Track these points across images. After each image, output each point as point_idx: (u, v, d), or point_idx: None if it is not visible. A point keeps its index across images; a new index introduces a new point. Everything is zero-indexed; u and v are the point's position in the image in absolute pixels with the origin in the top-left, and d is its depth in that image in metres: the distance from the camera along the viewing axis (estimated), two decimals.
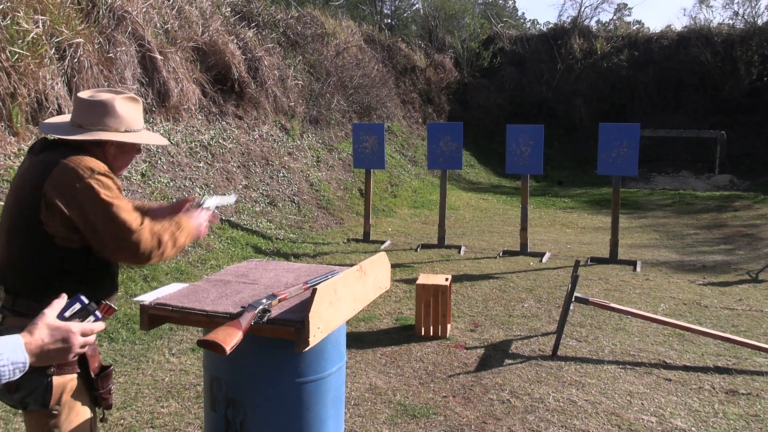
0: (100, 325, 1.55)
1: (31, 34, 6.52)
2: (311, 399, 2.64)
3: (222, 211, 8.16)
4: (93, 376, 2.01)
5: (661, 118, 18.62)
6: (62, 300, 1.54)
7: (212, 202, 2.49)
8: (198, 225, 2.26)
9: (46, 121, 2.09)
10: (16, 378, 1.31)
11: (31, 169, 1.95)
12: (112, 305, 1.85)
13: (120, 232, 1.90)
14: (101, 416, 2.11)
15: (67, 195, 1.87)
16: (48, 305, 1.93)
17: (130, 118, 2.05)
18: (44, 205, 1.88)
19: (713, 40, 19.43)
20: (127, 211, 1.93)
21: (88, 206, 1.88)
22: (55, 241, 1.91)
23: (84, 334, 1.49)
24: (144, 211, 2.30)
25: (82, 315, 1.53)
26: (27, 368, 1.33)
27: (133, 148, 2.13)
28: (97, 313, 1.56)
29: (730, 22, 20.43)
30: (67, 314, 1.52)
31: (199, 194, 8.06)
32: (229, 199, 2.72)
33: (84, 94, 2.06)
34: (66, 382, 1.94)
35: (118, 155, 2.07)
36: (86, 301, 1.55)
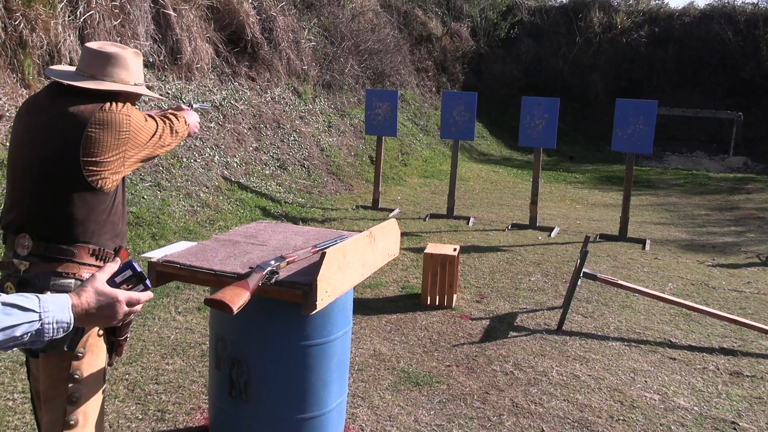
0: (148, 295, 1.53)
1: None
2: (316, 362, 2.65)
3: (231, 173, 8.14)
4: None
5: (678, 97, 18.33)
6: (115, 265, 1.52)
7: (197, 105, 3.00)
8: (194, 120, 2.52)
9: (52, 67, 2.13)
10: (59, 337, 1.30)
11: (61, 120, 1.98)
12: (127, 249, 2.08)
13: (162, 143, 2.21)
14: (109, 362, 2.14)
15: (119, 140, 2.02)
16: (76, 248, 1.97)
17: (137, 72, 2.16)
18: (89, 152, 1.97)
19: (736, 19, 19.01)
20: (153, 127, 2.17)
21: (140, 144, 2.10)
22: (90, 186, 1.98)
23: (130, 304, 1.47)
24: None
25: (132, 282, 1.52)
26: (70, 329, 1.33)
27: (136, 99, 2.25)
28: (147, 282, 1.54)
29: (755, 0, 19.97)
30: (118, 280, 1.50)
31: (210, 153, 8.03)
32: (206, 105, 3.31)
33: (94, 45, 2.12)
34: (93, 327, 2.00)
35: (123, 101, 2.16)
36: (138, 269, 1.52)
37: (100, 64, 2.07)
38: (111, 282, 1.48)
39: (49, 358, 1.97)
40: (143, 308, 4.65)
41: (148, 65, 7.93)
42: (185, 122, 2.39)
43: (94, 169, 1.97)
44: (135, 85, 2.14)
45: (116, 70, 2.08)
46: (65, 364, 1.96)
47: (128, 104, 2.08)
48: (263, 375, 2.61)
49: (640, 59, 19.37)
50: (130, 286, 1.51)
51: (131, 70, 2.12)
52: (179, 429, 3.18)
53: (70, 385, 1.96)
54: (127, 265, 1.52)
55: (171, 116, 2.31)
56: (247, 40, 9.89)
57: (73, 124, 1.96)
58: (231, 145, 8.61)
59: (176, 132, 2.29)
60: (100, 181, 1.99)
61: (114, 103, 2.03)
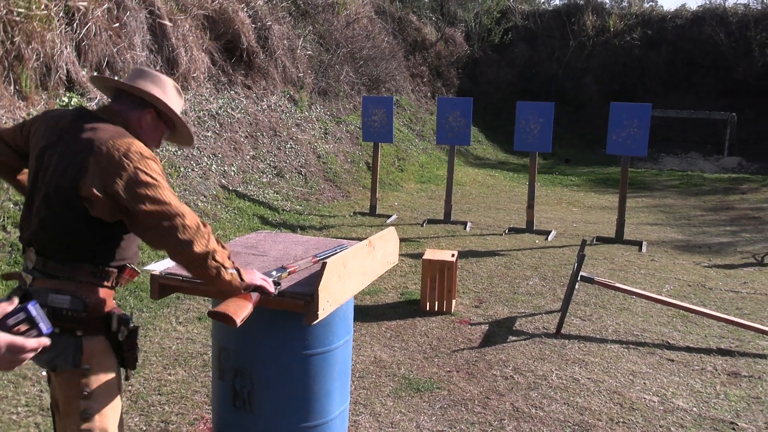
0: (40, 342, 1.37)
1: None
2: (318, 371, 2.67)
3: (229, 182, 8.17)
4: (120, 339, 2.03)
5: (671, 99, 18.41)
6: (11, 305, 1.39)
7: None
8: (260, 282, 2.25)
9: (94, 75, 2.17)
10: None
11: (75, 143, 1.95)
12: (135, 268, 2.07)
13: (170, 221, 1.91)
14: (125, 376, 2.13)
15: (116, 182, 1.89)
16: (74, 267, 1.94)
17: (174, 100, 2.15)
18: (88, 185, 1.90)
19: (728, 20, 19.12)
20: (174, 199, 1.94)
21: (140, 196, 1.89)
22: (90, 213, 1.94)
23: (12, 350, 1.31)
24: None
25: (25, 326, 1.38)
26: None
27: (164, 128, 2.18)
28: (42, 327, 1.39)
29: (746, 1, 20.09)
30: (10, 322, 1.37)
31: (207, 162, 8.05)
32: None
33: (142, 67, 2.20)
34: (95, 342, 1.97)
35: (151, 128, 2.13)
36: (33, 313, 1.38)
37: (140, 78, 2.10)
38: (2, 324, 1.35)
39: (60, 375, 1.97)
40: (144, 319, 4.67)
41: None
42: (240, 275, 2.10)
43: (94, 203, 1.93)
44: (168, 106, 2.11)
45: (155, 87, 2.09)
46: (75, 380, 1.95)
47: (137, 141, 1.98)
48: (266, 385, 2.64)
49: (633, 62, 19.46)
50: (23, 330, 1.37)
51: (169, 95, 2.12)
52: None
53: (81, 401, 1.95)
54: (22, 308, 1.39)
55: (222, 250, 2.04)
56: (243, 49, 9.93)
57: (82, 152, 1.93)
58: (228, 153, 8.64)
59: (216, 260, 1.99)
60: (100, 213, 1.95)
61: (123, 138, 1.95)
